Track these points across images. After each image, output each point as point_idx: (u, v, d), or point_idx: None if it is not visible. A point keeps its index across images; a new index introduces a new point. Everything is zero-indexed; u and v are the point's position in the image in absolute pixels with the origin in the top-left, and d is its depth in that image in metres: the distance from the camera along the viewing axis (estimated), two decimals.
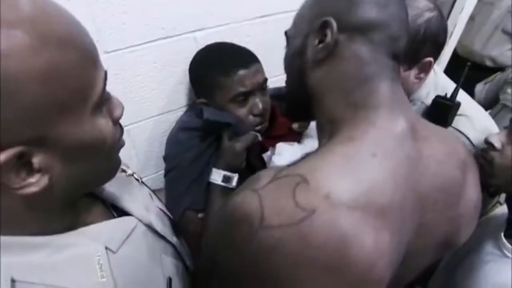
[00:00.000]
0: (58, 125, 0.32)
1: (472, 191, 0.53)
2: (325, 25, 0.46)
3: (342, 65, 0.47)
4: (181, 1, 0.80)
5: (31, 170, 0.32)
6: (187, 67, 0.88)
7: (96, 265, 0.39)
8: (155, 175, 1.02)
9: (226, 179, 0.78)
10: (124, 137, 0.92)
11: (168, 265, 0.52)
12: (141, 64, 0.82)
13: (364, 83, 0.46)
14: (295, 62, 0.52)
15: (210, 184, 0.79)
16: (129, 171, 0.60)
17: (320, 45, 0.47)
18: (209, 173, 0.80)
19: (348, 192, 0.38)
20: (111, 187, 0.48)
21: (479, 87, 1.51)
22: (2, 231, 0.34)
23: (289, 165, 0.44)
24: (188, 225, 0.81)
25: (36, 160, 0.31)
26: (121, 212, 0.49)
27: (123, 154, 0.94)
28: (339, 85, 0.47)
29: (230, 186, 0.78)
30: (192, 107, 0.94)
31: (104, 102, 0.37)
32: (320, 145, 0.51)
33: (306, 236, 0.36)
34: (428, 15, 0.75)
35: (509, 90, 1.33)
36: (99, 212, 0.47)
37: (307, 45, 0.49)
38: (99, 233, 0.42)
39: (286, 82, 0.58)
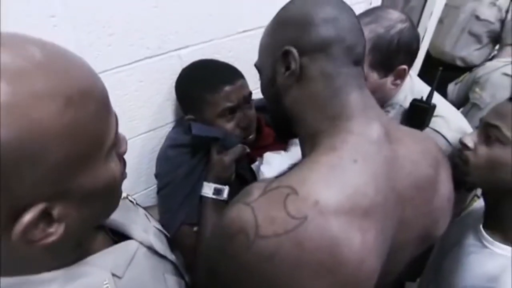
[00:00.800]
0: (77, 177, 0.32)
1: (445, 185, 0.57)
2: (286, 54, 0.50)
3: (311, 84, 0.50)
4: (165, 21, 0.82)
5: (50, 221, 0.32)
6: (173, 84, 0.89)
7: None
8: (145, 191, 1.02)
9: (217, 191, 0.80)
10: None
11: (172, 284, 0.53)
12: (128, 83, 0.83)
13: (335, 95, 0.50)
14: (269, 90, 0.57)
15: (202, 198, 0.80)
16: (124, 194, 0.60)
17: (287, 73, 0.51)
18: (201, 187, 0.81)
19: (334, 198, 0.41)
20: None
21: (451, 87, 1.59)
22: (17, 272, 0.35)
23: (277, 176, 0.47)
24: (184, 239, 0.82)
25: (56, 212, 0.32)
26: (120, 235, 0.50)
27: None
28: (313, 102, 0.51)
29: (221, 198, 0.80)
30: (180, 123, 0.95)
31: (113, 147, 0.38)
32: (304, 156, 0.54)
33: (300, 242, 0.39)
34: (400, 26, 0.80)
35: (477, 89, 1.41)
36: (100, 239, 0.48)
37: (276, 73, 0.53)
38: (105, 261, 0.43)
39: (267, 107, 0.62)
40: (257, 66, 0.60)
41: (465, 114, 1.43)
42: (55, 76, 0.29)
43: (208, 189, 0.80)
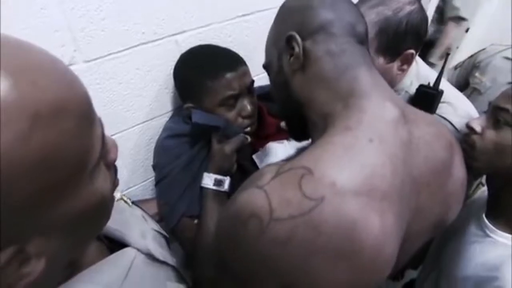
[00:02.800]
0: (56, 208, 0.28)
1: (459, 170, 0.55)
2: (289, 40, 0.50)
3: (318, 65, 0.50)
4: (160, 4, 0.77)
5: (25, 259, 0.27)
6: (171, 71, 0.85)
7: None
8: (144, 183, 0.99)
9: (218, 182, 0.78)
10: None
11: None
12: (123, 71, 0.79)
13: (344, 73, 0.48)
14: (277, 81, 0.56)
15: (202, 189, 0.78)
16: (118, 195, 0.57)
17: (292, 58, 0.51)
18: (201, 178, 0.78)
19: (352, 179, 0.39)
20: None
21: (450, 72, 1.58)
22: None
23: (286, 160, 0.44)
24: (184, 232, 0.80)
25: (32, 249, 0.27)
26: (116, 241, 0.47)
27: None
28: (321, 82, 0.50)
29: (222, 190, 0.77)
30: (178, 112, 0.91)
31: (100, 160, 0.33)
32: (313, 140, 0.52)
33: (317, 224, 0.37)
34: (409, 8, 0.77)
35: (477, 74, 1.40)
36: (94, 249, 0.44)
37: (282, 64, 0.53)
38: (99, 276, 0.40)
39: (278, 104, 0.62)
40: (265, 66, 0.60)
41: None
42: (16, 89, 0.23)
43: (208, 180, 0.77)
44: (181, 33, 0.84)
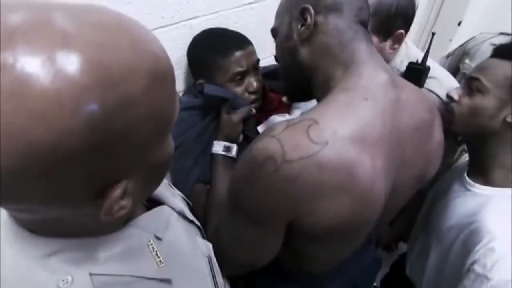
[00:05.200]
0: (153, 154, 0.33)
1: (438, 131, 0.65)
2: (304, 11, 0.57)
3: (325, 37, 0.58)
4: None
5: (126, 193, 0.32)
6: (184, 53, 0.95)
7: (151, 253, 0.41)
8: None
9: (226, 148, 0.84)
10: None
11: (203, 245, 0.55)
12: None
13: (346, 46, 0.57)
14: (285, 46, 0.63)
15: (212, 155, 0.85)
16: None
17: (303, 28, 0.58)
18: (212, 146, 0.86)
19: (350, 128, 0.48)
20: None
21: (442, 61, 1.66)
22: (77, 234, 0.36)
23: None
24: (198, 197, 0.85)
25: (130, 187, 0.32)
26: (151, 202, 0.52)
27: None
28: (327, 52, 0.58)
29: (231, 155, 0.84)
30: (190, 90, 1.00)
31: None
32: (318, 99, 0.61)
33: (322, 164, 0.46)
34: None
35: (467, 60, 1.49)
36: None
37: (292, 31, 0.60)
38: (147, 223, 0.44)
39: (282, 66, 0.68)
40: (273, 29, 0.67)
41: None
42: (143, 52, 0.28)
43: (218, 147, 0.84)
44: (194, 18, 0.94)
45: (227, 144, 0.86)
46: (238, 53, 0.85)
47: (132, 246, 0.40)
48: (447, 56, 1.66)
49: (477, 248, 0.70)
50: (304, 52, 0.60)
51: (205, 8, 0.95)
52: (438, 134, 0.65)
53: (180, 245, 0.49)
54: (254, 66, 0.90)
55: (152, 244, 0.42)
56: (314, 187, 0.46)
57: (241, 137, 0.90)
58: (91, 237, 0.37)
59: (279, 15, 0.65)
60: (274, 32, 0.67)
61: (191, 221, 0.58)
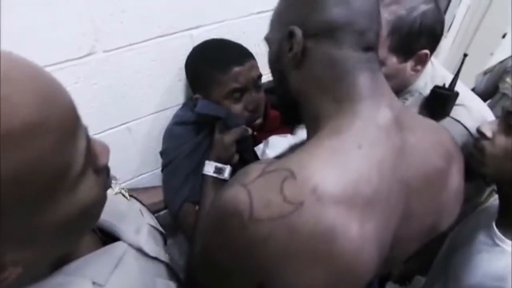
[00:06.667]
0: (31, 220, 0.28)
1: (455, 180, 0.53)
2: (291, 35, 0.47)
3: (316, 67, 0.48)
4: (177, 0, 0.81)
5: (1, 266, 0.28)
6: (184, 64, 0.89)
7: None
8: (156, 171, 1.03)
9: (218, 170, 0.80)
10: (124, 134, 0.93)
11: (162, 287, 0.51)
12: (139, 61, 0.83)
13: (342, 79, 0.46)
14: (275, 67, 0.55)
15: (203, 176, 0.80)
16: (116, 189, 0.58)
17: (290, 54, 0.49)
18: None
19: (334, 184, 0.39)
20: None
21: (479, 78, 1.51)
22: None
23: (277, 157, 0.45)
24: (186, 217, 0.83)
25: (8, 258, 0.28)
26: (110, 235, 0.48)
27: (124, 152, 0.95)
28: (319, 85, 0.48)
29: (222, 177, 0.79)
30: (188, 102, 0.95)
31: (86, 168, 0.32)
32: (308, 135, 0.52)
33: (295, 228, 0.38)
34: (423, 7, 0.76)
35: (508, 79, 1.33)
36: (87, 240, 0.44)
37: (282, 51, 0.51)
38: (86, 268, 0.40)
39: (273, 85, 0.59)
40: (266, 38, 0.57)
41: (494, 105, 1.35)
42: None
43: (209, 168, 0.80)
44: (196, 28, 0.88)
45: (219, 165, 0.80)
46: (236, 69, 0.78)
47: None
48: (485, 73, 1.50)
49: None
50: (293, 78, 0.51)
51: (208, 17, 0.89)
52: (455, 182, 0.54)
53: None
54: (254, 82, 0.82)
55: None
56: (284, 252, 0.39)
57: (236, 157, 0.83)
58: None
59: (271, 24, 0.55)
60: (267, 41, 0.58)
61: (155, 258, 0.53)
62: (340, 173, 0.40)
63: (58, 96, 0.28)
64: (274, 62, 0.55)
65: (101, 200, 0.38)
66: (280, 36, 0.51)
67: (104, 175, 0.38)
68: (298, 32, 0.46)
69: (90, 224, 0.39)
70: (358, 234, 0.39)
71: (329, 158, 0.42)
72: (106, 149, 0.37)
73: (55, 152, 0.27)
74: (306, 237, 0.38)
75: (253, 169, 0.43)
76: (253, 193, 0.40)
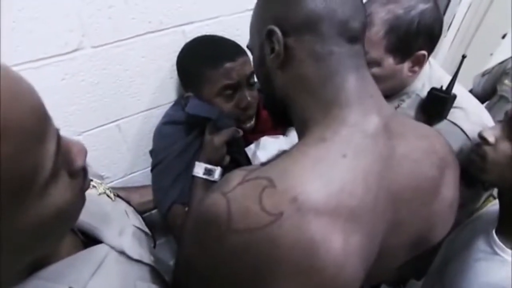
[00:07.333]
0: (12, 220, 0.27)
1: (449, 189, 0.51)
2: (270, 34, 0.45)
3: (300, 67, 0.45)
4: None
5: None
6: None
7: None
8: (146, 170, 1.01)
9: (208, 172, 0.78)
10: (114, 132, 0.90)
11: None
12: (129, 58, 0.81)
13: (329, 79, 0.44)
14: (260, 71, 0.53)
15: (193, 177, 0.78)
16: (101, 189, 0.56)
17: (272, 55, 0.46)
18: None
19: (316, 195, 0.37)
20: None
21: (476, 79, 1.49)
22: None
23: (264, 164, 0.43)
24: (175, 219, 0.81)
25: None
26: (91, 237, 0.47)
27: (114, 150, 0.93)
28: (304, 86, 0.46)
29: (212, 179, 0.78)
30: (179, 101, 0.92)
31: (58, 171, 0.31)
32: (298, 136, 0.50)
33: (274, 239, 0.36)
34: (421, 7, 0.73)
35: (507, 81, 1.31)
36: (68, 243, 0.43)
37: (264, 55, 0.49)
38: (63, 273, 0.38)
39: (261, 90, 0.58)
40: (248, 47, 0.56)
41: (492, 107, 1.33)
42: None
43: (199, 169, 0.78)
44: (188, 24, 0.85)
45: (209, 167, 0.78)
46: (228, 65, 0.75)
47: None
48: (483, 74, 1.48)
49: None
50: (279, 81, 0.49)
51: (201, 13, 0.86)
52: (449, 190, 0.51)
53: None
54: (247, 79, 0.79)
55: None
56: (263, 264, 0.37)
57: (227, 159, 0.81)
58: None
59: (250, 31, 0.53)
60: (250, 51, 0.56)
61: (138, 261, 0.51)
62: (322, 183, 0.38)
63: (21, 97, 0.26)
64: (259, 67, 0.53)
65: (77, 203, 0.36)
66: (261, 40, 0.48)
67: (80, 178, 0.36)
68: (276, 29, 0.44)
69: (66, 228, 0.37)
70: (341, 247, 0.37)
71: (312, 167, 0.39)
72: (82, 151, 0.36)
73: (18, 157, 0.26)
74: (287, 249, 0.36)
75: (234, 177, 0.41)
76: (231, 202, 0.38)
